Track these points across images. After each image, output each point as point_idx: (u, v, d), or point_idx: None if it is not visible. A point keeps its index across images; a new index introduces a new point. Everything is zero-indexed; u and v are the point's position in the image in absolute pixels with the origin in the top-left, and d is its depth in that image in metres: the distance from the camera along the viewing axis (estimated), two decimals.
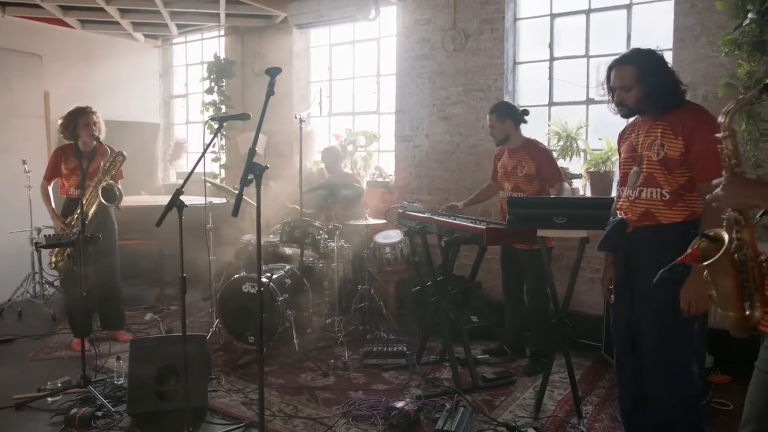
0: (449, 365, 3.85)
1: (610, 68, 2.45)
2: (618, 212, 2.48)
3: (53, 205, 4.23)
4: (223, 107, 6.38)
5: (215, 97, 6.39)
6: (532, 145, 3.80)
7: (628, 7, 4.50)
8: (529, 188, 3.74)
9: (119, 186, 4.12)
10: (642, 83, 2.31)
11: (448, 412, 2.94)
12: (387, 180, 5.67)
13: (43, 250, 4.63)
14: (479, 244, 3.21)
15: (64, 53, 6.42)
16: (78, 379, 3.36)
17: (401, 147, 5.53)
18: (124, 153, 4.17)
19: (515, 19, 5.00)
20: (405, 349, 3.99)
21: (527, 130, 5.04)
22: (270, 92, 2.25)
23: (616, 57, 2.46)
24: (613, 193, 4.52)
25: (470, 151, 5.11)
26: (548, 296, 3.86)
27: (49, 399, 3.33)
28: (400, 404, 3.03)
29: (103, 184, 4.02)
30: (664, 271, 1.99)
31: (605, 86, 2.51)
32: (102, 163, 4.13)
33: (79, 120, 4.20)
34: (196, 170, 2.80)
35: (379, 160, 5.96)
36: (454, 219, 3.52)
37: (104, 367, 3.75)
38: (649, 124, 2.35)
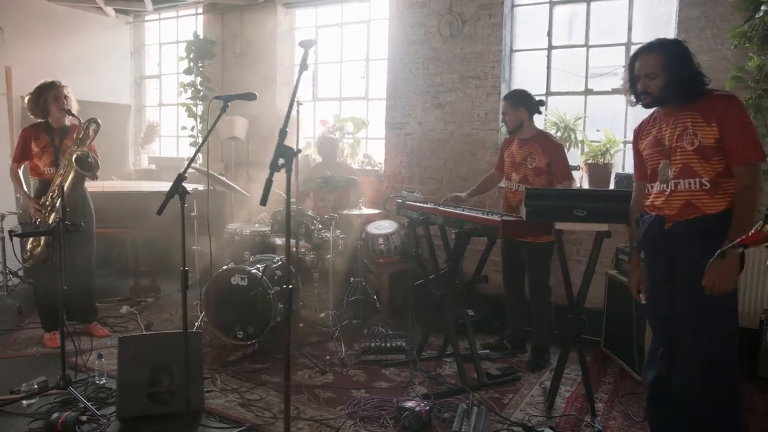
0: (451, 361, 3.76)
1: (634, 57, 2.36)
2: (648, 209, 2.37)
3: (25, 187, 3.91)
4: (202, 89, 6.05)
5: (193, 78, 6.05)
6: (545, 137, 3.69)
7: None
8: (537, 181, 3.63)
9: (94, 156, 3.82)
10: (668, 71, 2.23)
11: (463, 412, 2.82)
12: (376, 168, 5.49)
13: (12, 238, 4.28)
14: (492, 237, 3.08)
15: (28, 26, 5.96)
16: (57, 380, 3.08)
17: (392, 134, 5.35)
18: (98, 120, 3.85)
19: (513, 6, 4.88)
20: (404, 344, 3.84)
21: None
22: (303, 66, 2.02)
23: (641, 45, 2.37)
24: (612, 186, 4.48)
25: (465, 140, 4.98)
26: (550, 290, 3.80)
27: (25, 402, 3.05)
28: (410, 404, 2.89)
29: (77, 153, 3.71)
30: (718, 255, 1.92)
31: (626, 75, 2.41)
32: (75, 134, 3.82)
33: (48, 94, 3.88)
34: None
35: (367, 148, 5.77)
36: (463, 210, 3.38)
37: (84, 365, 3.47)
38: (674, 116, 2.27)
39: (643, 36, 4.42)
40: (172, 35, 6.98)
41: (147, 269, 5.57)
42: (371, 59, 5.69)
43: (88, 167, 3.72)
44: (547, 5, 4.76)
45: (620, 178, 4.38)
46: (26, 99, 3.94)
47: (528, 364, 3.77)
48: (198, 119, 6.07)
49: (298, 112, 3.95)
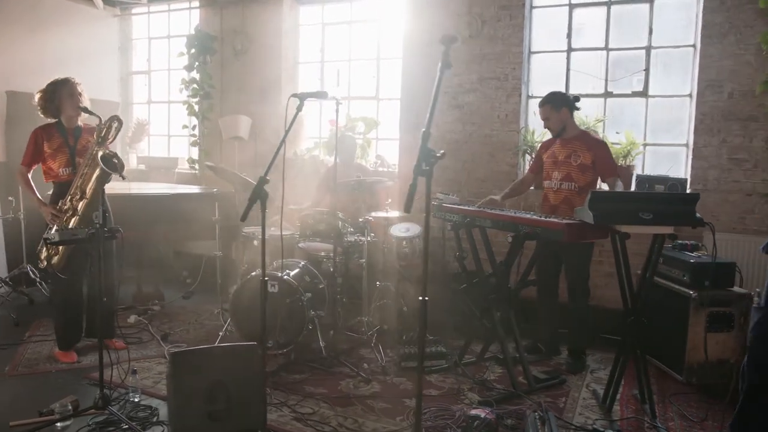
0: (491, 365, 3.71)
1: None
2: None
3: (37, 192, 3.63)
4: (205, 87, 5.80)
5: (195, 74, 5.79)
6: (588, 135, 3.70)
7: (651, 1, 4.50)
8: (581, 178, 3.63)
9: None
10: None
11: (535, 419, 2.77)
12: (390, 170, 5.39)
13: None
14: (556, 240, 3.04)
15: (11, 17, 5.56)
16: (95, 399, 2.85)
17: (407, 136, 5.26)
18: (120, 117, 3.61)
19: (531, 7, 4.87)
20: (443, 349, 3.77)
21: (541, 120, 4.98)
22: (446, 64, 1.91)
23: None
24: (633, 188, 4.53)
25: (484, 141, 4.95)
26: (589, 291, 3.80)
27: (59, 425, 2.81)
28: (478, 412, 2.81)
29: (102, 152, 3.46)
30: None
31: None
32: (95, 133, 3.56)
33: (62, 91, 3.62)
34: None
35: (377, 148, 5.66)
36: (515, 213, 3.34)
37: (116, 383, 3.22)
38: None
39: (662, 40, 4.50)
40: (161, 30, 6.66)
41: (148, 277, 5.28)
42: (382, 58, 5.58)
43: (114, 167, 3.47)
44: (567, 7, 4.78)
45: (641, 179, 4.44)
46: (37, 97, 3.66)
47: (568, 366, 3.76)
48: (200, 117, 5.81)
49: (337, 112, 3.80)
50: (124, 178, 3.59)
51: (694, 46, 4.37)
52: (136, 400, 3.09)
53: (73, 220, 3.49)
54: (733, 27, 4.10)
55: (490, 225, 3.40)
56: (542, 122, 3.82)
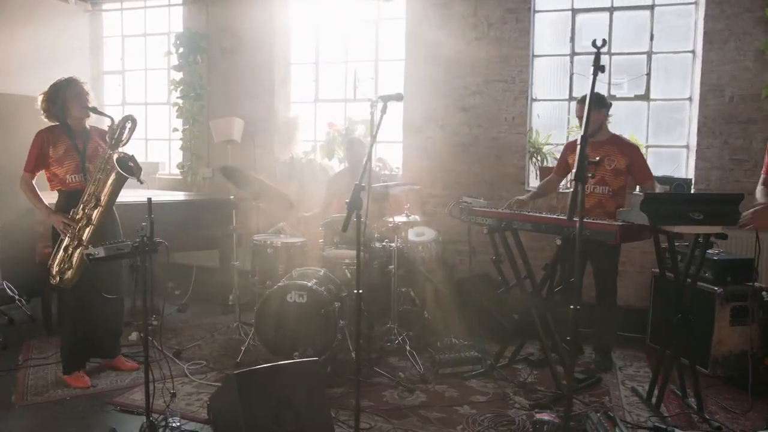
0: (523, 367, 3.72)
1: None
2: None
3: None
4: (196, 88, 5.51)
5: (181, 75, 5.49)
6: (621, 139, 3.76)
7: (651, 8, 4.66)
8: (615, 182, 3.69)
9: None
10: None
11: (601, 419, 2.78)
12: (393, 173, 5.32)
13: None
14: (606, 241, 3.07)
15: None
16: (142, 428, 2.62)
17: (411, 138, 5.21)
18: (135, 117, 3.36)
19: (534, 11, 4.94)
20: (477, 354, 3.74)
21: (546, 121, 5.06)
22: (597, 68, 1.86)
23: None
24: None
25: (491, 144, 4.97)
26: (617, 290, 3.88)
27: None
28: (545, 417, 2.80)
29: (117, 155, 3.20)
30: None
31: None
32: (108, 135, 3.30)
33: (67, 92, 3.34)
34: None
35: (378, 151, 5.57)
36: (557, 214, 3.35)
37: (158, 409, 2.97)
38: None
39: (665, 45, 4.68)
40: (136, 27, 6.28)
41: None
42: (381, 60, 5.50)
43: (131, 171, 3.22)
44: (570, 12, 4.88)
45: None
46: (40, 100, 3.36)
47: (597, 365, 3.82)
48: (191, 120, 5.52)
49: (381, 114, 3.67)
50: (142, 183, 3.35)
51: (693, 51, 4.57)
52: (177, 424, 2.87)
53: (87, 230, 3.21)
54: (733, 34, 4.32)
55: (531, 228, 3.40)
56: (576, 120, 3.81)
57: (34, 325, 4.49)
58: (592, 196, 3.76)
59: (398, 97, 2.54)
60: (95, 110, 3.36)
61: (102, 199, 3.22)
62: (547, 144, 4.96)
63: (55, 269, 3.20)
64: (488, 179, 4.97)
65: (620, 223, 2.99)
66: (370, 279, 4.21)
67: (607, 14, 4.80)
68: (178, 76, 5.58)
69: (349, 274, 4.17)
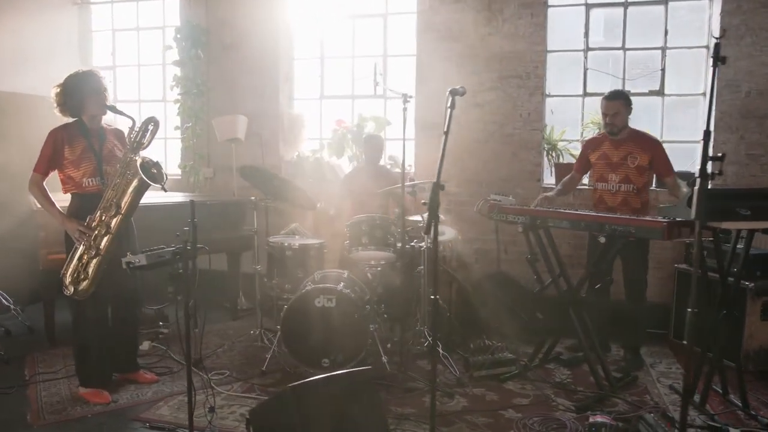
0: (556, 367, 3.66)
1: None
2: None
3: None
4: (199, 84, 5.29)
5: (178, 71, 5.26)
6: (643, 136, 3.73)
7: (665, 2, 4.66)
8: (639, 180, 3.66)
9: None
10: None
11: (662, 419, 2.73)
12: (406, 171, 5.18)
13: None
14: (653, 239, 3.03)
15: None
16: None
17: (423, 135, 5.10)
18: (157, 119, 3.15)
19: (547, 6, 4.88)
20: (510, 355, 3.66)
21: (560, 117, 5.01)
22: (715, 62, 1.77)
23: None
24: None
25: (506, 141, 4.90)
26: (646, 285, 3.85)
27: None
28: (601, 419, 2.73)
29: (139, 160, 3.00)
30: None
31: None
32: (128, 137, 3.10)
33: (85, 86, 3.10)
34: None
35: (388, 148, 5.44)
36: (600, 213, 3.30)
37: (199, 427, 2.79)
38: None
39: (676, 41, 4.69)
40: (128, 21, 6.01)
41: (146, 296, 4.72)
42: (389, 55, 5.37)
43: (155, 177, 3.02)
44: (584, 7, 4.84)
45: None
46: (54, 93, 3.12)
47: (627, 363, 3.79)
48: (195, 118, 5.29)
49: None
50: (166, 191, 3.15)
51: (707, 47, 4.58)
52: None
53: (105, 239, 3.00)
54: (749, 30, 4.34)
55: (568, 226, 3.34)
56: (605, 116, 3.74)
57: (34, 336, 4.22)
58: (617, 195, 3.72)
59: (462, 92, 2.43)
60: (114, 109, 3.13)
61: (123, 206, 3.01)
62: (562, 140, 4.92)
63: (68, 279, 2.98)
64: (504, 176, 4.90)
65: (669, 220, 2.95)
66: (392, 280, 4.10)
67: (621, 9, 4.77)
68: (174, 71, 5.34)
69: (370, 276, 4.06)
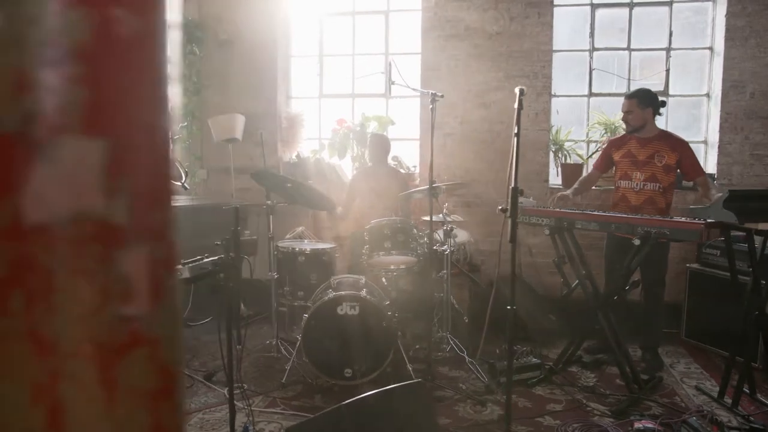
0: (579, 370, 3.63)
1: None
2: None
3: None
4: (194, 82, 5.04)
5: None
6: (669, 136, 3.72)
7: (670, 4, 4.69)
8: (666, 179, 3.65)
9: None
10: None
11: (703, 422, 2.70)
12: (411, 171, 5.09)
13: None
14: (688, 240, 3.01)
15: None
16: None
17: (429, 135, 4.97)
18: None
19: (552, 6, 4.85)
20: (536, 359, 3.60)
21: (565, 117, 5.00)
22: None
23: None
24: None
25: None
26: (665, 284, 3.85)
27: None
28: (646, 425, 2.69)
29: None
30: None
31: None
32: None
33: None
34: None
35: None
36: (627, 214, 3.26)
37: None
38: None
39: (681, 42, 4.73)
40: None
41: None
42: (392, 53, 5.25)
43: (175, 176, 2.82)
44: (589, 7, 4.83)
45: None
46: None
47: (648, 364, 3.77)
48: (191, 117, 5.04)
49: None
50: (186, 189, 2.96)
51: (711, 48, 4.63)
52: None
53: None
54: (754, 31, 4.40)
55: (597, 227, 3.30)
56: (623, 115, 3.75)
57: None
58: (642, 193, 3.71)
59: (521, 92, 2.33)
60: None
61: None
62: (568, 140, 4.90)
63: None
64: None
65: (708, 221, 2.93)
66: (407, 285, 3.99)
67: (626, 10, 4.79)
68: (188, 70, 5.08)
69: (385, 281, 3.93)
